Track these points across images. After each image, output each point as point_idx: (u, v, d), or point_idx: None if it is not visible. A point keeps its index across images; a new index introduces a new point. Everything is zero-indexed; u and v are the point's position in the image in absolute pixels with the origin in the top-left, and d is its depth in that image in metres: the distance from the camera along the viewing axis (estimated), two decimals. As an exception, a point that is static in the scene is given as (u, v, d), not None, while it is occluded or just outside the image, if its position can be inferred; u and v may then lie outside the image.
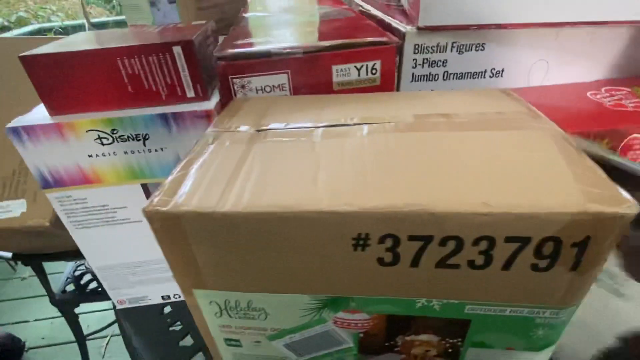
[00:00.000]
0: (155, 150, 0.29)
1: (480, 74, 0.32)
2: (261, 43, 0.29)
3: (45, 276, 0.69)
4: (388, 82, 0.30)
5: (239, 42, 0.30)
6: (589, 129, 0.26)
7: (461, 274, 0.16)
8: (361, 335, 0.20)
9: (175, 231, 0.16)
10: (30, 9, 1.57)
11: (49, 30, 1.33)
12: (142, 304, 0.41)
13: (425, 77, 0.32)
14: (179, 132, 0.28)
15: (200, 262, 0.18)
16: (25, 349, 0.92)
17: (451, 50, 0.30)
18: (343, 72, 0.29)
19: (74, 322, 0.78)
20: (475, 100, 0.23)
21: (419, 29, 0.29)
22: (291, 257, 0.17)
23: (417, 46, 0.30)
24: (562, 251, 0.15)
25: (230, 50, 0.28)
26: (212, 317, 0.20)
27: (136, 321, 0.39)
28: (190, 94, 0.29)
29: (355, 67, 0.28)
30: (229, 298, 0.19)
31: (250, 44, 0.29)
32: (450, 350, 0.20)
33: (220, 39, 0.35)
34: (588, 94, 0.30)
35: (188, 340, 0.37)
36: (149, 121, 0.28)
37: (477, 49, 0.30)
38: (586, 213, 0.14)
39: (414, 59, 0.31)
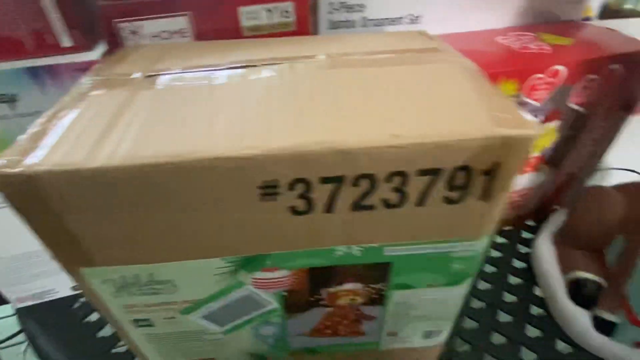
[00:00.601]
0: (29, 115, 0.24)
1: (398, 19, 0.31)
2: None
3: None
4: (303, 27, 0.27)
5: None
6: (498, 69, 0.26)
7: (377, 215, 0.15)
8: (284, 293, 0.19)
9: (34, 198, 0.13)
10: None
11: None
12: (49, 298, 0.36)
13: (342, 23, 0.30)
14: (57, 90, 0.23)
15: (79, 235, 0.15)
16: None
17: (367, -7, 0.29)
18: (252, 15, 0.26)
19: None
20: (391, 40, 0.22)
21: (331, -32, 0.27)
22: (190, 216, 0.15)
23: (332, -12, 0.28)
24: (472, 180, 0.15)
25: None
26: (111, 298, 0.18)
27: (41, 320, 0.34)
28: (66, 42, 0.24)
29: (265, 9, 0.26)
30: (125, 274, 0.16)
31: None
32: (375, 296, 0.20)
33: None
34: (497, 38, 0.31)
35: (108, 330, 0.33)
36: (14, 78, 0.23)
37: (392, -9, 0.29)
38: (494, 137, 0.14)
39: (329, 3, 0.29)
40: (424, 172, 0.14)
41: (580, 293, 0.31)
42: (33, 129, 0.15)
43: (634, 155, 0.36)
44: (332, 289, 0.19)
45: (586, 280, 0.31)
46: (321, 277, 0.18)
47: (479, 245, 0.18)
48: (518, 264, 0.38)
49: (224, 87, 0.17)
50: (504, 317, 0.33)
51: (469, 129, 0.14)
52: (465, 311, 0.33)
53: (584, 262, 0.32)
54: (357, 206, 0.15)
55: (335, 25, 0.30)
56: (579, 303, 0.31)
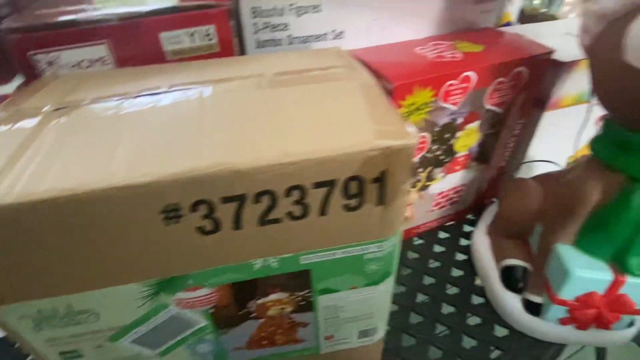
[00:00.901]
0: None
1: (322, 36, 0.32)
2: (70, 12, 0.25)
3: None
4: (227, 48, 0.28)
5: (41, 10, 0.25)
6: (415, 79, 0.28)
7: (285, 227, 0.16)
8: (212, 310, 0.19)
9: None
10: None
11: None
12: (-12, 339, 0.34)
13: (269, 42, 0.31)
14: (-29, 125, 0.23)
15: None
16: None
17: (289, 13, 0.30)
18: (173, 40, 0.26)
19: None
20: (303, 59, 0.23)
21: (251, -9, 0.28)
22: (98, 245, 0.15)
23: (254, 9, 0.29)
24: (365, 188, 0.16)
25: (28, 21, 0.23)
26: (32, 333, 0.18)
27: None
28: (-22, 76, 0.23)
29: (186, 33, 0.26)
30: (41, 307, 0.16)
31: (54, 13, 0.25)
32: (303, 303, 0.21)
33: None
34: (416, 49, 0.33)
35: None
36: None
37: (314, 10, 0.31)
38: (377, 149, 0.15)
39: (254, 24, 0.30)
40: (319, 185, 0.15)
41: (510, 279, 0.33)
42: None
43: (552, 147, 0.39)
44: (259, 301, 0.20)
45: (514, 266, 0.33)
46: (245, 290, 0.19)
47: (388, 244, 0.19)
48: (460, 256, 0.40)
49: (132, 115, 0.17)
50: (447, 309, 0.35)
51: (355, 142, 0.15)
52: (411, 306, 0.35)
53: (512, 250, 0.34)
54: (264, 221, 0.16)
55: (262, 45, 0.31)
56: (511, 288, 0.33)
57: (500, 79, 0.32)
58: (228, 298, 0.19)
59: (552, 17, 0.55)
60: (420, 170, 0.35)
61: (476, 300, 0.36)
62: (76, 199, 0.13)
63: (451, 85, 0.30)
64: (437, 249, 0.41)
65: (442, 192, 0.39)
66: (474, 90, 0.31)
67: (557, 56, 0.33)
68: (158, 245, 0.16)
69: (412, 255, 0.40)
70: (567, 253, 0.28)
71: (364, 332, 0.24)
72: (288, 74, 0.20)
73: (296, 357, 0.25)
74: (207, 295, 0.18)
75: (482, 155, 0.38)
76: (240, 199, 0.15)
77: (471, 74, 0.30)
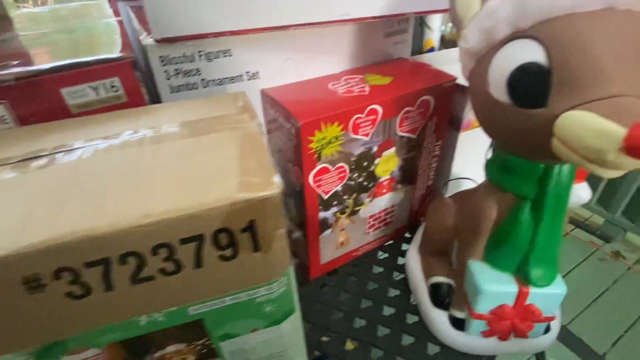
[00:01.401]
0: None
1: (237, 77, 0.33)
2: (-34, 72, 0.25)
3: None
4: (136, 98, 0.29)
5: None
6: (322, 115, 0.30)
7: (162, 282, 0.17)
8: (106, 369, 0.19)
9: None
10: None
11: None
12: None
13: (184, 86, 0.32)
14: None
15: None
16: None
17: (200, 59, 0.31)
18: (77, 94, 0.27)
19: None
20: (200, 108, 0.24)
21: (157, 41, 0.29)
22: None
23: (162, 58, 0.30)
24: (237, 238, 0.17)
25: None
26: None
27: None
28: None
29: (89, 87, 0.27)
30: None
31: (-54, 76, 0.24)
32: (205, 351, 0.21)
33: None
34: (330, 84, 0.35)
35: None
36: None
37: (224, 55, 0.32)
38: (239, 202, 0.16)
39: (165, 71, 0.31)
40: (186, 240, 0.16)
41: (437, 296, 0.34)
42: None
43: (473, 165, 0.41)
44: (156, 355, 0.20)
45: (440, 283, 0.35)
46: (138, 346, 0.19)
47: (279, 286, 0.20)
48: (398, 275, 0.41)
49: (3, 184, 0.17)
50: (383, 331, 0.36)
51: (217, 197, 0.16)
52: (347, 332, 0.35)
53: (438, 267, 0.36)
54: (136, 280, 0.16)
55: (176, 89, 0.32)
56: (438, 305, 0.34)
57: (408, 108, 0.34)
58: (121, 355, 0.19)
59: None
60: (346, 197, 0.36)
61: (411, 319, 0.37)
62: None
63: (358, 118, 0.31)
64: (376, 269, 0.42)
65: (373, 215, 0.40)
66: (383, 120, 0.33)
67: (462, 81, 0.36)
68: (29, 314, 0.16)
69: (351, 279, 0.41)
70: (477, 269, 0.30)
71: (281, 369, 0.25)
72: (174, 127, 0.21)
73: (216, 402, 0.25)
74: (96, 355, 0.18)
75: (406, 177, 0.40)
76: (105, 263, 0.15)
77: (377, 106, 0.32)
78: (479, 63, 0.24)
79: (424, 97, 0.34)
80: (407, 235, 0.46)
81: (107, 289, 0.16)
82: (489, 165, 0.28)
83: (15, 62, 0.27)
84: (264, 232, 0.17)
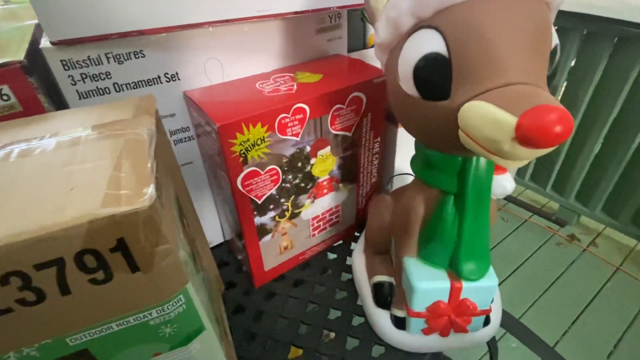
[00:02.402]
0: None
1: (154, 80, 0.31)
2: None
3: None
4: (34, 105, 0.26)
5: None
6: (244, 116, 0.28)
7: (24, 314, 0.15)
8: (-23, 415, 0.17)
9: None
10: None
11: None
12: None
13: (94, 92, 0.29)
14: None
15: None
16: None
17: (109, 62, 0.29)
18: (-42, 106, 0.24)
19: None
20: (89, 117, 0.22)
21: (53, 44, 0.26)
22: None
23: (64, 62, 0.27)
24: (107, 259, 0.15)
25: None
26: None
27: None
28: None
29: (-27, 97, 0.24)
30: None
31: None
32: (101, 382, 0.19)
33: None
34: (257, 84, 0.34)
35: None
36: None
37: (136, 56, 0.30)
38: (100, 219, 0.14)
39: (69, 76, 0.28)
40: (42, 266, 0.14)
41: (379, 295, 0.34)
42: None
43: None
44: (40, 392, 0.18)
45: (382, 282, 0.34)
46: (12, 385, 0.17)
47: (176, 305, 0.18)
48: (346, 276, 0.40)
49: None
50: (328, 335, 0.35)
51: (74, 215, 0.14)
52: (292, 340, 0.34)
53: (380, 266, 0.35)
54: (-12, 314, 0.14)
55: (86, 95, 0.29)
56: (381, 304, 0.33)
57: (338, 106, 0.33)
58: (-8, 399, 0.17)
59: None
60: (283, 200, 0.35)
61: (357, 321, 0.36)
62: None
63: (284, 118, 0.30)
64: (325, 272, 0.41)
65: (316, 216, 0.39)
66: (312, 119, 0.32)
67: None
68: None
69: (298, 284, 0.40)
70: (411, 266, 0.29)
71: (201, 391, 0.23)
72: (54, 137, 0.19)
73: None
74: (-43, 402, 0.16)
75: (347, 176, 0.39)
76: (-61, 299, 0.13)
77: (303, 105, 0.30)
78: (390, 56, 0.23)
79: (355, 94, 0.33)
80: (357, 234, 0.46)
81: (-50, 328, 0.14)
82: (413, 162, 0.28)
83: None
84: (139, 250, 0.15)
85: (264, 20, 0.32)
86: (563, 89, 0.99)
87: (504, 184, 0.27)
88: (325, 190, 0.38)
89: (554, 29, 0.20)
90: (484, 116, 0.17)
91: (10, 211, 0.14)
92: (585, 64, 0.94)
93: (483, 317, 0.30)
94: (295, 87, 0.32)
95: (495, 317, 0.33)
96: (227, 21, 0.30)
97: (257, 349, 0.33)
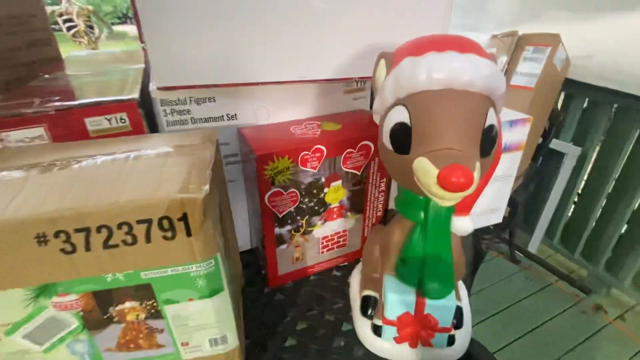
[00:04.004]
0: None
1: (219, 117, 0.43)
2: (22, 105, 0.36)
3: None
4: (138, 128, 0.39)
5: (2, 103, 0.36)
6: (276, 150, 0.38)
7: (123, 250, 0.25)
8: (81, 313, 0.27)
9: None
10: None
11: None
12: None
13: (178, 122, 0.42)
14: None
15: None
16: None
17: (190, 103, 0.41)
18: (95, 123, 0.37)
19: None
20: (174, 139, 0.33)
21: (158, 88, 0.39)
22: (-7, 259, 0.24)
23: (162, 100, 0.40)
24: (174, 225, 0.25)
25: (-13, 111, 0.34)
26: (-53, 326, 0.25)
27: None
28: (-52, 149, 0.33)
29: (105, 118, 0.37)
30: (-46, 304, 0.25)
31: (10, 105, 0.35)
32: (153, 311, 0.29)
33: None
34: (291, 128, 0.44)
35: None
36: None
37: (210, 101, 0.42)
38: (175, 199, 0.24)
39: (163, 110, 0.41)
40: (140, 222, 0.24)
41: (365, 307, 0.41)
42: None
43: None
44: (117, 308, 0.28)
45: (369, 296, 0.41)
46: (104, 298, 0.27)
47: (208, 265, 0.28)
48: (345, 291, 0.48)
49: (34, 178, 0.27)
50: (320, 332, 0.42)
51: (162, 196, 0.24)
52: (290, 332, 0.42)
53: (370, 283, 0.42)
54: (106, 245, 0.25)
55: (171, 124, 0.42)
56: (365, 315, 0.40)
57: (350, 150, 0.42)
58: (91, 304, 0.27)
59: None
60: (299, 218, 0.44)
61: (345, 327, 0.43)
62: (21, 222, 0.22)
63: (306, 154, 0.40)
64: (328, 285, 0.49)
65: (326, 237, 0.48)
66: (328, 158, 0.41)
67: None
68: (36, 261, 0.24)
69: (305, 290, 0.48)
70: (388, 281, 0.36)
71: (214, 340, 0.32)
72: (153, 150, 0.31)
73: (163, 362, 0.32)
74: (74, 300, 0.26)
75: (355, 206, 0.47)
76: (87, 230, 0.24)
77: (322, 147, 0.40)
78: (381, 121, 0.33)
79: (364, 142, 0.43)
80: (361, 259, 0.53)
81: (87, 249, 0.25)
82: (396, 199, 0.36)
83: (57, 97, 0.38)
84: (194, 223, 0.25)
85: (302, 82, 0.44)
86: (595, 155, 1.00)
87: (458, 223, 0.34)
88: (335, 216, 0.47)
89: (491, 113, 0.28)
90: (422, 168, 0.26)
91: (128, 189, 0.25)
92: (615, 134, 0.96)
93: (446, 335, 0.37)
94: (319, 132, 0.43)
95: (461, 341, 0.38)
96: (275, 83, 0.41)
97: (263, 333, 0.41)
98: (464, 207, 0.34)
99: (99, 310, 0.28)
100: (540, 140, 0.95)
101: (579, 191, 1.06)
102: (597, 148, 1.00)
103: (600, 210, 1.00)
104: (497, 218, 0.62)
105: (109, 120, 0.37)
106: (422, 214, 0.33)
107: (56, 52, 0.67)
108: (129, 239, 0.25)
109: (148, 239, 0.25)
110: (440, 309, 0.35)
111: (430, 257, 0.33)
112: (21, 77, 0.54)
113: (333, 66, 0.42)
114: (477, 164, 0.25)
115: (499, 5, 1.23)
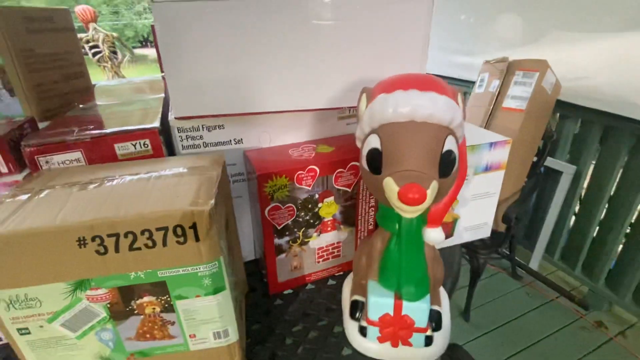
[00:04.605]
0: (-25, 213, 0.39)
1: (227, 142, 0.50)
2: (63, 133, 0.43)
3: None
4: (158, 152, 0.46)
5: (47, 131, 0.43)
6: (275, 170, 0.44)
7: (145, 252, 0.31)
8: (109, 305, 0.33)
9: (-36, 252, 0.28)
10: None
11: None
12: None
13: (191, 146, 0.49)
14: (-6, 197, 0.39)
15: (-15, 271, 0.29)
16: None
17: (203, 130, 0.48)
18: (123, 148, 0.44)
19: None
20: (187, 161, 0.40)
21: (176, 118, 0.46)
22: (43, 258, 0.30)
23: (179, 128, 0.47)
24: (186, 232, 0.31)
25: (34, 140, 0.41)
26: (4, 313, 0.31)
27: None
28: (4, 170, 0.40)
29: (131, 143, 0.44)
30: (9, 294, 0.31)
31: (53, 134, 0.43)
32: (167, 305, 0.34)
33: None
34: (289, 150, 0.50)
35: None
36: (-32, 192, 0.39)
37: (219, 128, 0.49)
38: (187, 211, 0.30)
39: (179, 136, 0.48)
40: (159, 229, 0.30)
41: (353, 311, 0.45)
42: (-31, 220, 0.30)
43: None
44: (138, 301, 0.34)
45: (357, 301, 0.46)
46: (127, 293, 0.33)
47: (212, 267, 0.33)
48: (339, 297, 0.52)
49: (76, 194, 0.33)
50: (313, 334, 0.47)
51: (177, 208, 0.30)
52: (287, 333, 0.47)
53: (359, 288, 0.47)
54: (131, 248, 0.31)
55: (186, 147, 0.49)
56: (353, 318, 0.45)
57: (340, 169, 0.48)
58: (117, 297, 0.33)
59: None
60: (296, 230, 0.50)
61: (337, 329, 0.47)
62: (32, 233, 0.29)
63: (301, 174, 0.46)
64: (324, 292, 0.54)
65: (321, 247, 0.53)
66: (321, 176, 0.47)
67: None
68: (75, 260, 0.30)
69: (302, 296, 0.53)
70: (371, 286, 0.41)
71: (217, 333, 0.37)
72: (170, 171, 0.37)
73: (172, 351, 0.37)
74: (104, 294, 0.32)
75: (347, 220, 0.53)
76: (117, 235, 0.30)
77: (315, 167, 0.46)
78: (361, 146, 0.38)
79: (353, 163, 0.48)
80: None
81: (116, 251, 0.31)
82: (377, 214, 0.41)
83: (92, 126, 0.45)
84: (201, 230, 0.31)
85: (300, 111, 0.50)
86: (590, 173, 1.03)
87: (433, 234, 0.39)
88: (329, 228, 0.52)
89: (450, 140, 0.34)
90: (388, 185, 0.31)
91: (150, 203, 0.31)
92: (608, 153, 0.99)
93: (423, 335, 0.41)
94: (313, 154, 0.48)
95: (439, 342, 0.42)
96: (276, 112, 0.48)
97: (262, 333, 0.46)
98: (434, 220, 0.38)
99: (123, 303, 0.33)
100: (535, 159, 0.98)
101: (576, 208, 1.08)
102: (592, 166, 1.03)
103: (598, 226, 1.02)
104: (484, 233, 0.66)
105: (134, 145, 0.44)
106: (397, 226, 0.38)
107: (88, 82, 0.76)
108: (149, 243, 0.31)
109: (165, 243, 0.31)
110: (415, 310, 0.39)
111: (405, 263, 0.38)
112: (59, 106, 0.62)
113: (326, 97, 0.48)
114: (434, 183, 0.31)
115: (493, 32, 1.30)
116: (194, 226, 0.31)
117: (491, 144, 0.56)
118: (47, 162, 0.41)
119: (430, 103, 0.32)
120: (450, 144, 0.34)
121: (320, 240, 0.52)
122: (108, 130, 0.43)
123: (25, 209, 0.31)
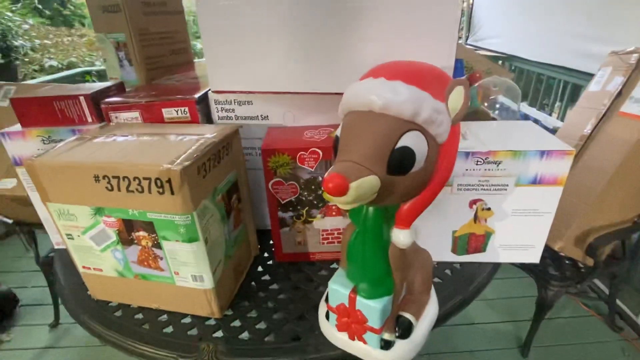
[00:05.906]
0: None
1: (255, 117, 0.55)
2: (133, 96, 0.55)
3: (35, 243, 0.96)
4: (194, 118, 0.54)
5: (125, 94, 0.56)
6: (277, 147, 0.47)
7: (136, 195, 0.39)
8: (118, 232, 0.43)
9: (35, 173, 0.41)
10: (80, 55, 2.02)
11: (89, 73, 1.74)
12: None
13: (225, 117, 0.55)
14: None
15: (47, 189, 0.42)
16: (19, 304, 1.18)
17: (234, 104, 0.54)
18: (169, 113, 0.53)
19: (52, 283, 1.03)
20: (209, 128, 0.46)
21: (213, 91, 0.53)
22: (75, 185, 0.40)
23: (215, 100, 0.54)
24: (163, 185, 0.38)
25: (110, 100, 0.54)
26: (58, 219, 0.44)
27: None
28: (89, 119, 0.54)
29: (174, 109, 0.53)
30: (59, 208, 0.43)
31: (126, 96, 0.55)
32: (156, 242, 0.42)
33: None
34: (305, 132, 0.52)
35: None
36: (65, 133, 0.54)
37: (248, 103, 0.54)
38: (163, 168, 0.37)
39: (216, 107, 0.55)
40: (145, 178, 0.38)
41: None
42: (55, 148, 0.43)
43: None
44: (136, 234, 0.42)
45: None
46: (129, 225, 0.42)
47: (186, 218, 0.39)
48: (333, 282, 0.54)
49: (109, 143, 0.43)
50: (295, 307, 0.50)
51: (157, 165, 0.37)
52: (273, 298, 0.51)
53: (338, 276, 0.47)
54: (127, 190, 0.39)
55: (221, 118, 0.56)
56: (326, 301, 0.46)
57: (344, 156, 0.48)
58: (122, 227, 0.42)
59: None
60: (299, 207, 0.52)
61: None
62: (65, 165, 0.39)
63: (302, 154, 0.48)
64: (324, 273, 0.56)
65: (325, 230, 0.54)
66: (324, 160, 0.48)
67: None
68: (93, 191, 0.40)
69: (302, 272, 0.56)
70: (337, 274, 0.41)
71: (195, 276, 0.44)
72: (192, 135, 0.44)
73: (163, 281, 0.45)
74: (113, 221, 0.42)
75: (353, 209, 0.52)
76: (118, 178, 0.38)
77: (317, 149, 0.48)
78: (341, 132, 0.38)
79: (360, 151, 0.48)
80: (363, 260, 0.57)
81: (118, 190, 0.39)
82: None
83: (154, 93, 0.56)
84: (174, 185, 0.37)
85: (319, 94, 0.51)
86: None
87: (399, 235, 0.36)
88: (334, 213, 0.53)
89: (411, 136, 0.31)
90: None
91: (149, 157, 0.39)
92: None
93: (376, 336, 0.39)
94: (324, 137, 0.50)
95: (401, 350, 0.40)
96: (295, 93, 0.50)
97: (253, 292, 0.52)
98: (401, 220, 0.36)
99: (126, 232, 0.43)
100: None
101: None
102: None
103: None
104: (533, 257, 0.56)
105: (177, 111, 0.53)
106: (361, 220, 0.37)
107: (190, 57, 0.91)
108: (139, 188, 0.39)
109: (150, 190, 0.38)
110: (366, 307, 0.38)
111: (365, 259, 0.37)
112: (162, 75, 0.77)
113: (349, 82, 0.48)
114: (370, 179, 0.29)
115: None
116: (169, 181, 0.37)
117: (543, 153, 0.47)
118: (116, 117, 0.54)
119: (388, 94, 0.30)
120: (409, 141, 0.31)
121: (324, 222, 0.54)
122: (159, 98, 0.53)
123: (75, 149, 0.43)
